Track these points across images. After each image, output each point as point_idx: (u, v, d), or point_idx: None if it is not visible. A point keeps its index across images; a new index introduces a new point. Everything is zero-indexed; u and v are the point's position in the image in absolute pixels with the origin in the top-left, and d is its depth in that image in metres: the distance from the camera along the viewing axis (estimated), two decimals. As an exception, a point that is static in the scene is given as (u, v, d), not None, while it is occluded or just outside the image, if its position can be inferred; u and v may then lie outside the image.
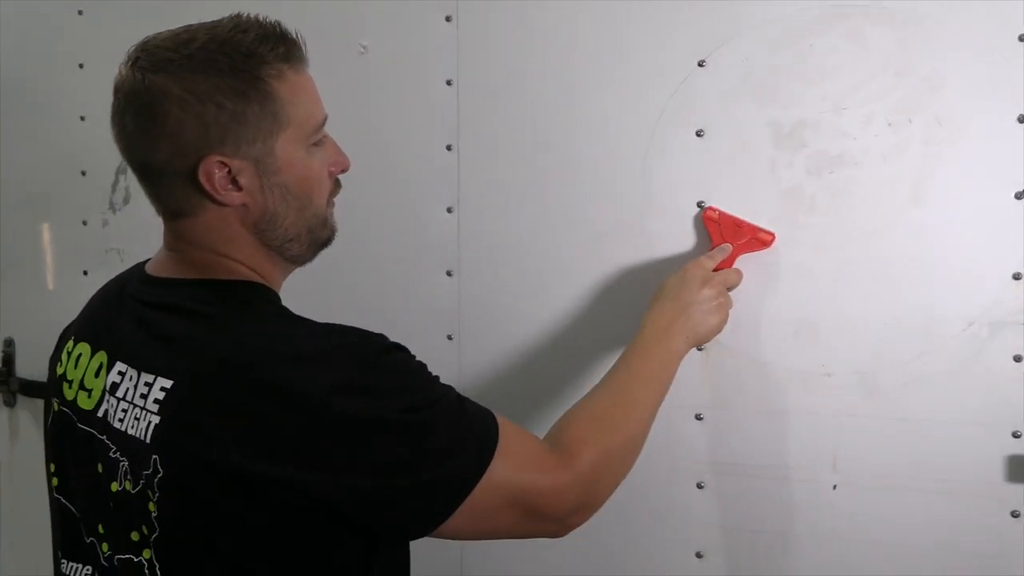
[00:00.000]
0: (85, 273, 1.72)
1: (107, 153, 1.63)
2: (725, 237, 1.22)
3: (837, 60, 1.18)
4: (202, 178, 0.87)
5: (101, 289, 1.04)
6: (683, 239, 1.27)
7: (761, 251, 1.21)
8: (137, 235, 1.65)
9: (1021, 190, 1.12)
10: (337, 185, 0.99)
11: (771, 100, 1.21)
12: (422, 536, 0.88)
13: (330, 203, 0.98)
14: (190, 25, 0.90)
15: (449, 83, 1.39)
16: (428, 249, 1.42)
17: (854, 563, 1.22)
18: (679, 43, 1.25)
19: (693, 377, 1.25)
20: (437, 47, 1.39)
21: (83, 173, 1.70)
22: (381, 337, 0.88)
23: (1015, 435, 1.15)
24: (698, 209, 1.25)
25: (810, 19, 1.19)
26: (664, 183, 1.27)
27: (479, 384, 1.39)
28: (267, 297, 0.94)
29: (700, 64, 1.24)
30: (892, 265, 1.18)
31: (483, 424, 0.89)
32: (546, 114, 1.33)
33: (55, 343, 1.07)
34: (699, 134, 1.25)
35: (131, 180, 1.63)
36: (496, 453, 0.87)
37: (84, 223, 1.71)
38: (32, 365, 1.80)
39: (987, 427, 1.16)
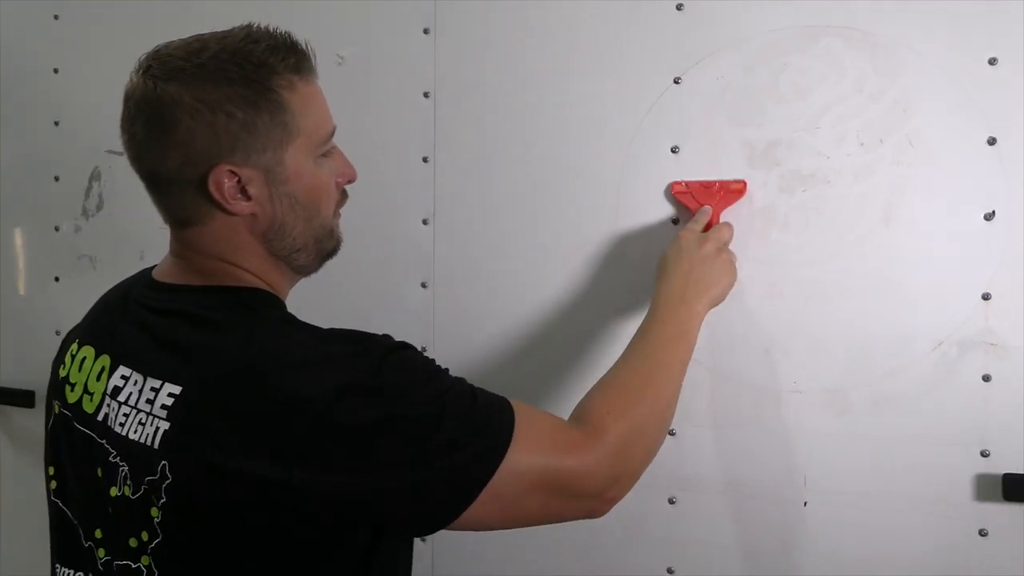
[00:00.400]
0: (57, 279, 1.70)
1: (81, 159, 1.65)
2: (700, 201, 1.22)
3: (811, 80, 1.19)
4: (212, 187, 0.87)
5: (106, 293, 1.04)
6: (659, 254, 1.27)
7: (738, 205, 1.22)
8: (110, 242, 1.63)
9: (990, 211, 1.14)
10: (344, 196, 0.99)
11: (745, 118, 1.22)
12: (439, 529, 0.87)
13: (336, 213, 0.98)
14: (201, 34, 0.89)
15: (426, 95, 1.39)
16: (403, 261, 1.42)
17: (824, 580, 1.23)
18: (656, 59, 1.26)
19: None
20: (415, 59, 1.39)
21: (56, 178, 1.68)
22: (386, 338, 0.88)
23: (983, 454, 1.15)
24: (673, 225, 1.26)
25: (784, 39, 1.20)
26: (639, 198, 1.28)
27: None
28: (273, 304, 0.94)
29: (676, 81, 1.25)
30: (863, 283, 1.19)
31: (497, 413, 0.88)
32: (522, 128, 1.34)
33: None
34: (674, 150, 1.26)
35: (105, 187, 1.64)
36: (513, 440, 0.86)
37: (56, 229, 1.69)
38: (2, 371, 1.78)
39: (956, 446, 1.16)
